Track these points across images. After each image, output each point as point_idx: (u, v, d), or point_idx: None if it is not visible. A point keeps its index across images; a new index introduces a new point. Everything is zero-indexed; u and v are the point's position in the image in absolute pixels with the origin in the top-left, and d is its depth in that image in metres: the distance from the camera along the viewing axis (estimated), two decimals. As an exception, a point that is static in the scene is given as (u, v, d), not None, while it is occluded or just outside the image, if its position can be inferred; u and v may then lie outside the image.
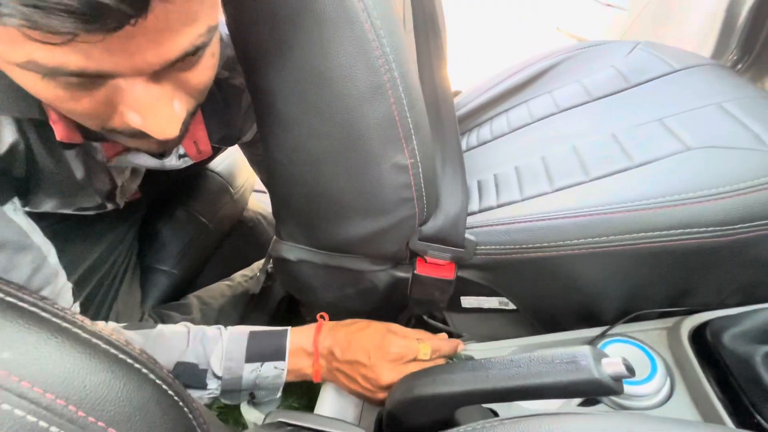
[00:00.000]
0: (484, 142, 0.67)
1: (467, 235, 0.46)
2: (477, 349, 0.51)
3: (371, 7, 0.34)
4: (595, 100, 0.62)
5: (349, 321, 0.48)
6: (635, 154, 0.47)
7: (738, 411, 0.36)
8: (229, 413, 0.73)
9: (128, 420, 0.21)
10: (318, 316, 0.49)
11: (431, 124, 0.45)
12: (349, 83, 0.35)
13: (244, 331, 0.47)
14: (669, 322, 0.46)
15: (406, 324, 0.52)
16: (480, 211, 0.50)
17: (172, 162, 0.47)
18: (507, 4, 1.94)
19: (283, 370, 0.45)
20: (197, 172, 0.76)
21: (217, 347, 0.45)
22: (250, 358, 0.44)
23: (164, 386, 0.24)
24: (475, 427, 0.27)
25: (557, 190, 0.48)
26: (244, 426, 0.73)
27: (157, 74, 0.27)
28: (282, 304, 0.76)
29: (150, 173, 0.56)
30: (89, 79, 0.26)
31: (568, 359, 0.30)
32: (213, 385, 0.44)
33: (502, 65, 0.80)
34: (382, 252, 0.47)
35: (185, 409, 0.25)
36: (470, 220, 0.48)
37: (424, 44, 0.53)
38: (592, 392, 0.29)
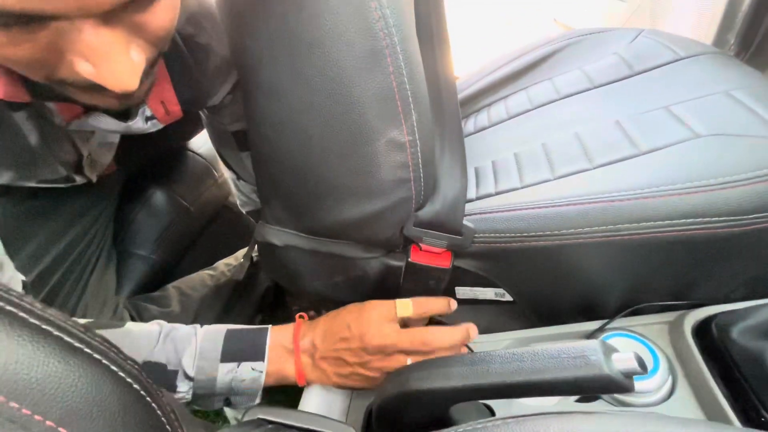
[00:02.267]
0: (482, 129, 0.64)
1: (465, 222, 0.44)
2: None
3: (369, -35, 0.31)
4: (598, 87, 0.60)
5: (325, 314, 0.46)
6: (641, 141, 0.45)
7: (745, 408, 0.35)
8: (206, 412, 0.69)
9: (83, 418, 0.18)
10: (297, 316, 0.46)
11: (431, 103, 0.42)
12: (344, 48, 0.32)
13: (220, 329, 0.43)
14: (670, 316, 0.45)
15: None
16: (478, 199, 0.47)
17: (139, 125, 0.43)
18: (503, -5, 1.91)
19: (261, 372, 0.41)
20: (178, 152, 0.72)
21: (191, 346, 0.41)
22: (225, 358, 0.41)
23: (128, 379, 0.22)
24: (476, 426, 0.25)
25: (559, 178, 0.46)
26: (225, 419, 0.70)
27: (108, 16, 0.24)
28: (268, 294, 0.73)
29: (125, 144, 0.52)
30: (27, 19, 0.22)
31: (576, 354, 0.28)
32: (183, 388, 0.40)
33: (498, 54, 0.77)
34: (375, 238, 0.44)
35: (153, 405, 0.22)
36: (468, 208, 0.45)
37: (426, 24, 0.50)
38: (602, 389, 0.27)
